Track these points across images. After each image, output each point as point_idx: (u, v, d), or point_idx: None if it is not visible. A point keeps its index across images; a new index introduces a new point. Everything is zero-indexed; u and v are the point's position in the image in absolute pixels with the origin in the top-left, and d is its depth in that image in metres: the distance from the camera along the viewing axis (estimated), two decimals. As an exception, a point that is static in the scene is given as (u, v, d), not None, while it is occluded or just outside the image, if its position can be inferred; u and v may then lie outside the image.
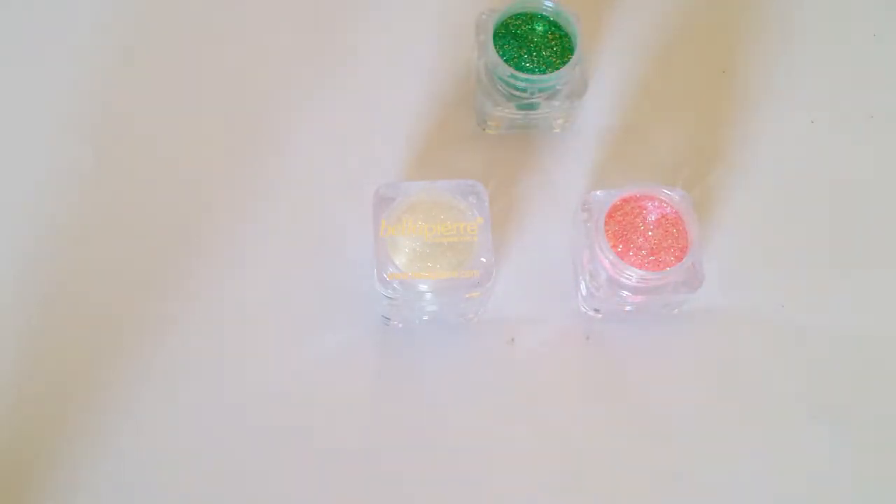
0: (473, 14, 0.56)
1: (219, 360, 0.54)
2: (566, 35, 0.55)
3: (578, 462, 0.53)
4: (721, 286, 0.55)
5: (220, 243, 0.56)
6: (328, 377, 0.54)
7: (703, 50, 0.62)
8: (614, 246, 0.51)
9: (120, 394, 0.53)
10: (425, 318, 0.55)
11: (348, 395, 0.54)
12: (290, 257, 0.56)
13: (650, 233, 0.51)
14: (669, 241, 0.51)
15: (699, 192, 0.57)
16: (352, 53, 0.61)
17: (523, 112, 0.56)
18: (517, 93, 0.55)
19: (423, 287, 0.49)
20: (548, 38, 0.55)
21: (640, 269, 0.50)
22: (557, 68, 0.54)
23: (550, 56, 0.54)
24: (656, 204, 0.52)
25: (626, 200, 0.52)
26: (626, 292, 0.52)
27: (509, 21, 0.55)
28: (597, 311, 0.55)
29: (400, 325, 0.55)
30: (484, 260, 0.49)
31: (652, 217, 0.52)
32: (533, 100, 0.55)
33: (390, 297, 0.50)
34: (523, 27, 0.55)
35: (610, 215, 0.51)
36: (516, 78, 0.53)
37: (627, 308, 0.54)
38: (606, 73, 0.61)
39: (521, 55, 0.54)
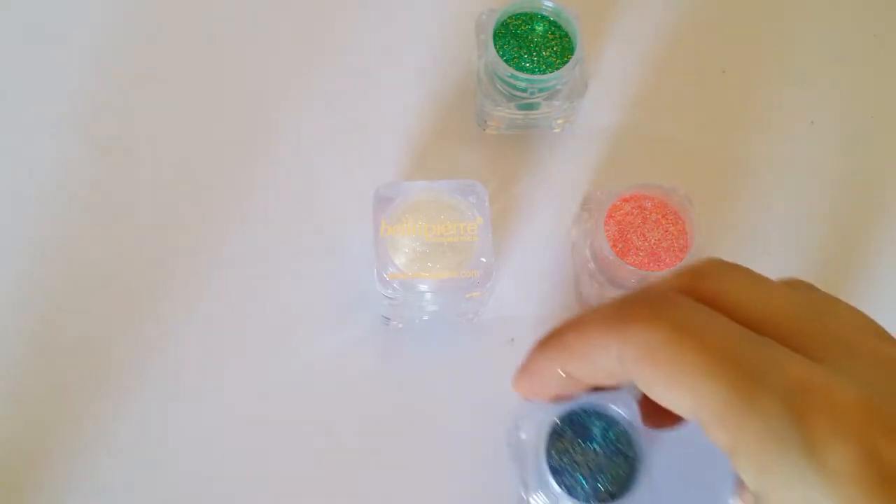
0: (473, 14, 0.56)
1: (218, 360, 0.54)
2: (566, 35, 0.55)
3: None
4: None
5: (219, 243, 0.56)
6: (328, 377, 0.54)
7: (703, 50, 0.62)
8: (614, 246, 0.51)
9: (120, 394, 0.53)
10: (425, 318, 0.55)
11: (348, 394, 0.54)
12: (290, 257, 0.56)
13: (650, 233, 0.51)
14: (669, 241, 0.51)
15: (699, 192, 0.57)
16: (351, 53, 0.61)
17: (523, 112, 0.56)
18: (517, 93, 0.55)
19: (423, 287, 0.49)
20: (548, 38, 0.55)
21: (641, 268, 0.50)
22: (557, 68, 0.54)
23: (550, 56, 0.55)
24: (656, 204, 0.52)
25: (626, 200, 0.52)
26: (626, 292, 0.51)
27: (509, 21, 0.55)
28: (597, 311, 0.55)
29: (400, 325, 0.55)
30: (484, 260, 0.49)
31: (652, 217, 0.52)
32: (533, 100, 0.55)
33: (390, 297, 0.50)
34: (523, 27, 0.55)
35: (610, 215, 0.51)
36: (516, 78, 0.53)
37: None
38: (606, 73, 0.61)
39: (521, 55, 0.54)
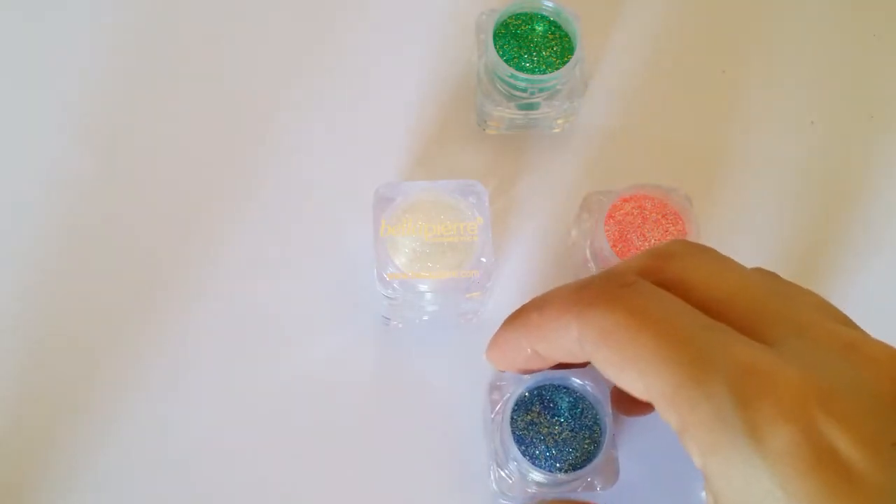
0: (473, 14, 0.56)
1: (218, 360, 0.54)
2: (566, 35, 0.55)
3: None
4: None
5: (219, 243, 0.56)
6: (328, 377, 0.54)
7: (703, 50, 0.62)
8: (614, 246, 0.51)
9: (120, 394, 0.53)
10: (425, 318, 0.55)
11: (348, 394, 0.54)
12: (290, 257, 0.56)
13: (650, 233, 0.51)
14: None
15: (699, 192, 0.57)
16: (351, 53, 0.61)
17: (523, 112, 0.56)
18: (517, 93, 0.55)
19: (423, 287, 0.49)
20: (548, 38, 0.55)
21: (640, 269, 0.50)
22: (557, 68, 0.54)
23: (550, 56, 0.55)
24: (656, 204, 0.52)
25: (626, 200, 0.52)
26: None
27: (509, 21, 0.55)
28: (597, 311, 0.55)
29: (400, 325, 0.55)
30: (484, 260, 0.49)
31: (652, 217, 0.52)
32: (533, 100, 0.55)
33: (390, 297, 0.50)
34: (523, 27, 0.55)
35: (610, 215, 0.51)
36: (516, 78, 0.53)
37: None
38: (606, 73, 0.61)
39: (521, 55, 0.54)
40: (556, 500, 0.47)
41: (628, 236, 0.51)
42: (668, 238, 0.51)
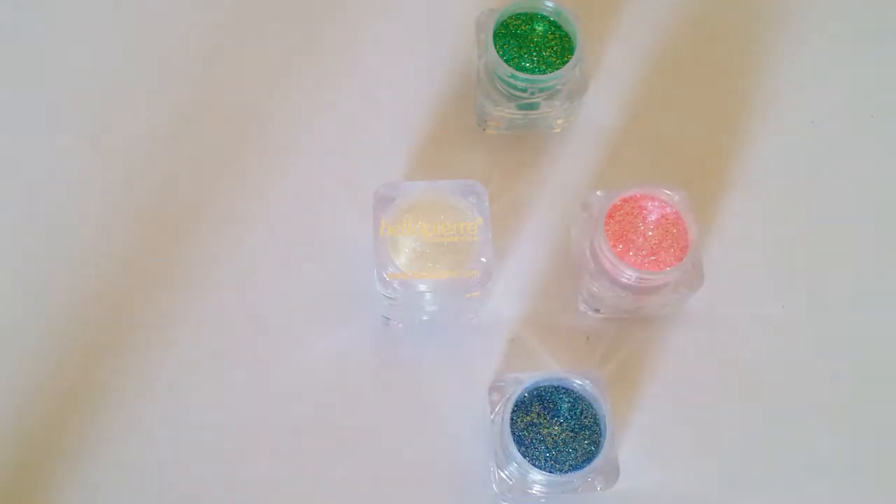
0: (473, 14, 0.56)
1: (218, 360, 0.54)
2: (566, 35, 0.55)
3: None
4: (721, 286, 0.55)
5: (219, 243, 0.56)
6: (328, 377, 0.54)
7: (704, 50, 0.62)
8: (614, 246, 0.51)
9: (120, 395, 0.53)
10: (425, 318, 0.55)
11: (348, 394, 0.54)
12: (290, 257, 0.56)
13: (650, 233, 0.51)
14: (669, 241, 0.51)
15: (699, 191, 0.57)
16: (351, 53, 0.61)
17: (523, 112, 0.56)
18: (517, 93, 0.55)
19: (423, 287, 0.49)
20: (548, 37, 0.55)
21: (641, 268, 0.50)
22: (557, 68, 0.54)
23: (550, 56, 0.54)
24: (656, 204, 0.52)
25: (626, 200, 0.52)
26: (626, 292, 0.52)
27: (509, 21, 0.55)
28: (597, 311, 0.55)
29: (400, 325, 0.55)
30: (484, 260, 0.49)
31: (652, 217, 0.52)
32: (533, 100, 0.55)
33: (390, 297, 0.50)
34: (523, 27, 0.55)
35: (610, 215, 0.51)
36: (516, 78, 0.53)
37: (626, 308, 0.54)
38: (606, 73, 0.61)
39: (521, 55, 0.54)
40: None
41: (628, 236, 0.51)
42: (668, 238, 0.51)
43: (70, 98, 0.60)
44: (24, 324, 0.55)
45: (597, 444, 0.47)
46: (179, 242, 0.56)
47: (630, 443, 0.53)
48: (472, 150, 0.59)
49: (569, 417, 0.47)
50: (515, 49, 0.54)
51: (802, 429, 0.54)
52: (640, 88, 0.61)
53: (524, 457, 0.46)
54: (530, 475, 0.47)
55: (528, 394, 0.48)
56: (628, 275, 0.50)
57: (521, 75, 0.53)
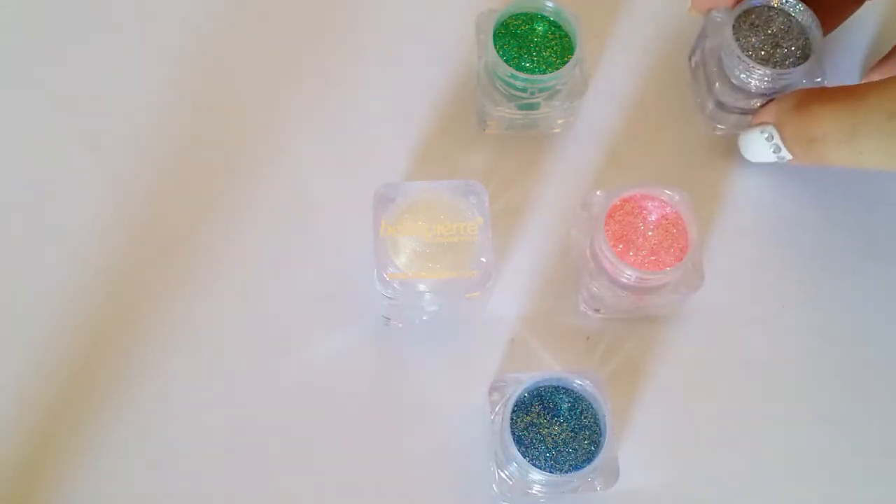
0: (473, 14, 0.56)
1: (218, 360, 0.54)
2: (566, 35, 0.55)
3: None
4: (721, 286, 0.55)
5: (218, 242, 0.56)
6: (328, 377, 0.54)
7: (703, 50, 0.62)
8: (614, 246, 0.51)
9: (120, 395, 0.53)
10: (425, 318, 0.55)
11: (347, 394, 0.54)
12: (290, 257, 0.56)
13: (650, 233, 0.51)
14: (669, 241, 0.51)
15: (699, 192, 0.57)
16: (351, 53, 0.61)
17: (523, 112, 0.56)
18: (517, 93, 0.55)
19: (423, 287, 0.49)
20: (548, 38, 0.55)
21: (641, 268, 0.50)
22: (557, 68, 0.54)
23: (550, 56, 0.55)
24: (656, 204, 0.52)
25: (626, 200, 0.52)
26: (626, 292, 0.52)
27: (509, 21, 0.55)
28: (597, 310, 0.55)
29: (400, 325, 0.55)
30: (484, 260, 0.49)
31: (652, 217, 0.52)
32: (533, 100, 0.55)
33: (390, 297, 0.50)
34: (523, 27, 0.55)
35: (610, 215, 0.51)
36: (516, 78, 0.53)
37: (626, 308, 0.54)
38: (606, 73, 0.61)
39: (521, 55, 0.54)
40: None
41: (628, 236, 0.51)
42: (668, 238, 0.51)
43: (70, 97, 0.60)
44: (24, 324, 0.55)
45: (597, 444, 0.47)
46: (178, 242, 0.56)
47: (630, 443, 0.53)
48: (472, 150, 0.59)
49: (569, 417, 0.47)
50: (515, 49, 0.54)
51: (802, 429, 0.54)
52: (640, 88, 0.61)
53: (524, 457, 0.46)
54: (530, 475, 0.47)
55: (528, 394, 0.48)
56: (628, 275, 0.50)
57: (521, 75, 0.53)
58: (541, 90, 0.54)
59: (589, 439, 0.47)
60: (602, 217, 0.51)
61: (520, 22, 0.55)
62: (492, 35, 0.54)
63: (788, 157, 0.54)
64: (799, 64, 0.54)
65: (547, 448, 0.47)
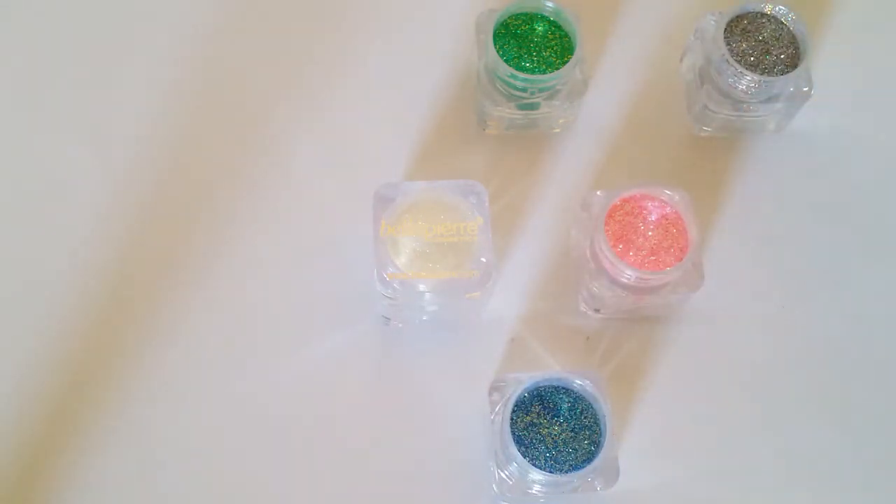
0: (473, 14, 0.56)
1: (218, 360, 0.54)
2: (566, 35, 0.55)
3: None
4: (721, 286, 0.55)
5: (218, 243, 0.56)
6: (328, 377, 0.54)
7: (703, 50, 0.62)
8: (614, 246, 0.51)
9: (120, 395, 0.53)
10: (425, 318, 0.55)
11: (348, 394, 0.54)
12: (290, 257, 0.56)
13: (650, 233, 0.51)
14: (669, 241, 0.51)
15: (699, 192, 0.57)
16: (352, 53, 0.61)
17: (523, 112, 0.56)
18: (517, 93, 0.55)
19: (423, 287, 0.49)
20: (548, 38, 0.55)
21: (641, 268, 0.50)
22: (557, 68, 0.54)
23: (550, 56, 0.55)
24: (656, 204, 0.52)
25: (626, 200, 0.52)
26: (626, 292, 0.52)
27: (509, 21, 0.55)
28: (597, 311, 0.55)
29: (400, 325, 0.55)
30: (484, 260, 0.49)
31: (652, 217, 0.52)
32: (533, 100, 0.55)
33: (390, 297, 0.50)
34: (523, 27, 0.55)
35: (610, 215, 0.51)
36: (516, 78, 0.53)
37: (626, 308, 0.54)
38: (607, 73, 0.61)
39: (521, 55, 0.54)
40: None
41: (628, 236, 0.51)
42: (668, 238, 0.51)
43: (70, 97, 0.60)
44: (24, 323, 0.55)
45: (597, 444, 0.47)
46: (179, 242, 0.56)
47: (630, 443, 0.53)
48: (472, 150, 0.59)
49: (569, 417, 0.47)
50: (515, 49, 0.54)
51: (802, 429, 0.54)
52: (641, 88, 0.61)
53: (524, 457, 0.46)
54: (530, 475, 0.47)
55: (528, 394, 0.48)
56: (628, 275, 0.50)
57: (521, 75, 0.53)
58: (541, 90, 0.54)
59: (589, 439, 0.47)
60: (602, 217, 0.51)
61: (520, 22, 0.55)
62: (492, 35, 0.54)
63: None
64: (787, 72, 0.54)
65: (547, 448, 0.47)
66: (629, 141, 0.59)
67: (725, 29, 0.54)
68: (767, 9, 0.55)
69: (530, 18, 0.55)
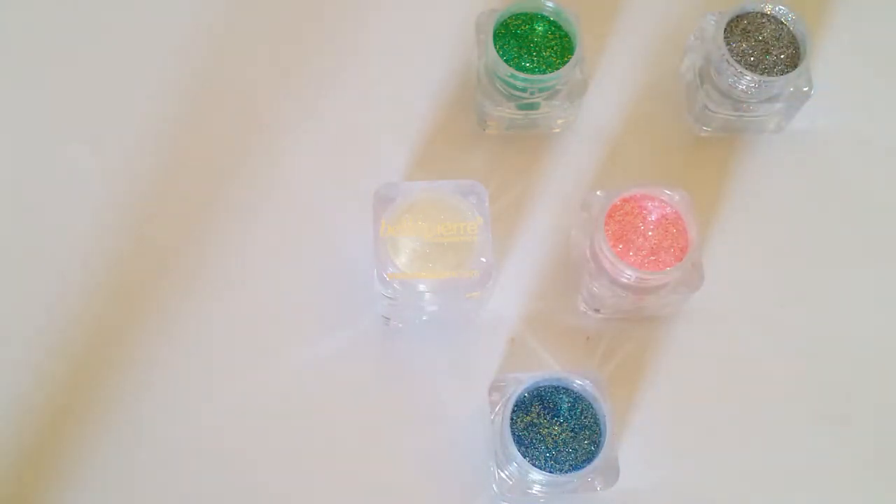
0: (473, 14, 0.56)
1: (218, 359, 0.54)
2: (566, 35, 0.55)
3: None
4: (721, 286, 0.55)
5: (219, 243, 0.56)
6: (328, 377, 0.54)
7: (703, 50, 0.62)
8: (614, 246, 0.51)
9: (120, 395, 0.53)
10: (425, 318, 0.55)
11: (347, 394, 0.54)
12: (290, 257, 0.56)
13: (650, 233, 0.51)
14: (669, 241, 0.51)
15: (699, 191, 0.57)
16: (352, 53, 0.61)
17: (523, 112, 0.56)
18: (517, 93, 0.55)
19: (423, 287, 0.49)
20: (548, 38, 0.55)
21: (641, 268, 0.50)
22: (557, 68, 0.54)
23: (550, 56, 0.55)
24: (656, 204, 0.52)
25: (626, 200, 0.52)
26: (626, 292, 0.52)
27: (509, 21, 0.55)
28: (597, 310, 0.55)
29: (400, 325, 0.55)
30: (484, 260, 0.49)
31: (652, 217, 0.52)
32: (533, 100, 0.55)
33: (390, 297, 0.50)
34: (523, 27, 0.55)
35: (610, 215, 0.51)
36: (516, 78, 0.53)
37: (626, 308, 0.54)
38: (606, 73, 0.61)
39: (521, 55, 0.54)
40: None
41: (628, 236, 0.51)
42: (668, 238, 0.51)
43: (70, 99, 0.60)
44: (24, 323, 0.55)
45: (597, 444, 0.47)
46: (179, 242, 0.57)
47: (630, 443, 0.53)
48: (472, 150, 0.59)
49: (569, 417, 0.48)
50: (515, 49, 0.54)
51: (802, 429, 0.54)
52: (641, 88, 0.61)
53: (524, 457, 0.46)
54: (530, 475, 0.47)
55: (528, 394, 0.48)
56: (628, 275, 0.50)
57: (521, 75, 0.53)
58: (541, 90, 0.54)
59: (589, 439, 0.47)
60: (602, 217, 0.51)
61: (520, 22, 0.55)
62: (492, 35, 0.54)
63: None
64: (787, 72, 0.54)
65: (547, 448, 0.47)
66: (629, 141, 0.59)
67: (725, 29, 0.54)
68: (767, 9, 0.55)
69: (530, 18, 0.55)
